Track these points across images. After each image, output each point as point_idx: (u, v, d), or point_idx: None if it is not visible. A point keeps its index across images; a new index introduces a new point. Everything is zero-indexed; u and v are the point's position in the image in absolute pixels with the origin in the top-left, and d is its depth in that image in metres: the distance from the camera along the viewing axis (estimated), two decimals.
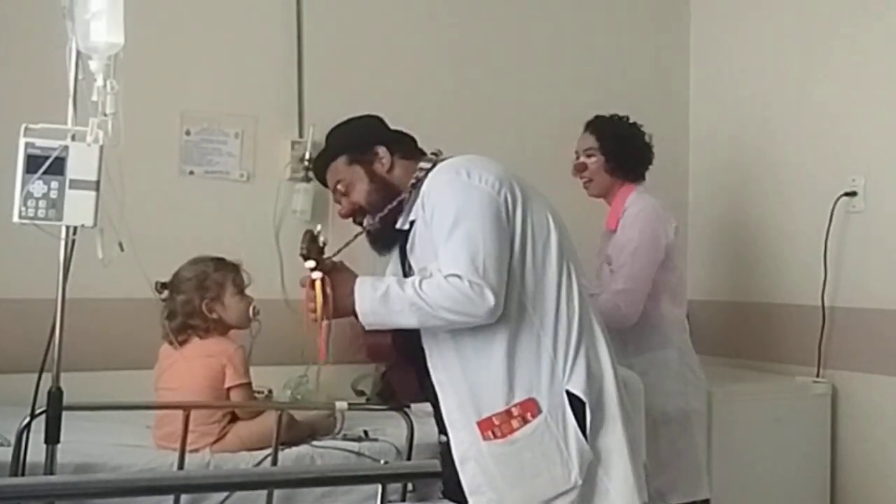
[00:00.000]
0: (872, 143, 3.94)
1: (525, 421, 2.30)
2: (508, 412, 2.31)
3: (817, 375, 4.01)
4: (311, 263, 2.28)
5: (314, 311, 2.27)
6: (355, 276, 2.33)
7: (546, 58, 4.38)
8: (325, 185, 2.60)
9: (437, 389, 2.41)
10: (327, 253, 2.33)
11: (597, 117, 3.46)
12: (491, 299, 2.23)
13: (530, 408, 2.31)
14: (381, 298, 2.26)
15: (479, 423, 2.33)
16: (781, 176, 4.26)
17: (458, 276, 2.23)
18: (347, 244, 2.46)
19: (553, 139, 4.03)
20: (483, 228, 2.27)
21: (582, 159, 3.41)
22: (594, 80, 4.39)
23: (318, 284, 2.27)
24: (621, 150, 3.38)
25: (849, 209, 3.98)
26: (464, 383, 2.35)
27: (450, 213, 2.30)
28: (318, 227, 2.34)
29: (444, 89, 4.13)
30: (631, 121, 3.46)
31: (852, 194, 3.96)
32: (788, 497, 3.86)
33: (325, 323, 2.29)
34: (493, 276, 2.25)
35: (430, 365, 2.41)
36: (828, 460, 3.97)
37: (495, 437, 2.32)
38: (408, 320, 2.28)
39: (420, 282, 2.27)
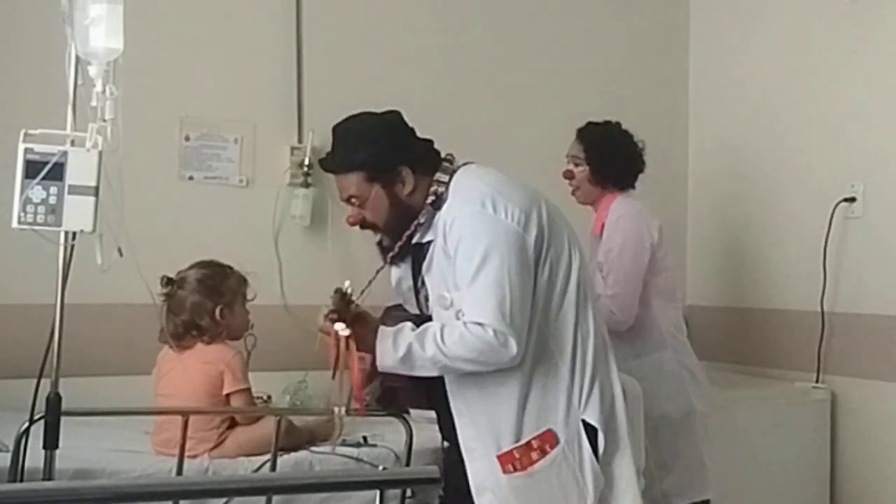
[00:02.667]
0: (872, 148, 3.94)
1: (544, 453, 2.31)
2: (528, 445, 2.31)
3: (817, 381, 4.00)
4: (340, 325, 2.28)
5: (338, 359, 2.28)
6: (376, 328, 2.31)
7: (546, 64, 4.38)
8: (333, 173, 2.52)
9: (454, 417, 2.40)
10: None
11: (588, 124, 3.43)
12: (514, 348, 2.22)
13: (548, 439, 2.31)
14: (402, 359, 2.26)
15: (499, 457, 2.33)
16: (780, 182, 4.26)
17: (483, 325, 2.21)
18: (370, 283, 2.45)
19: (552, 145, 4.03)
20: (510, 270, 2.24)
21: (570, 167, 3.41)
22: (594, 88, 4.39)
23: (342, 342, 2.28)
24: (605, 160, 3.36)
25: (848, 215, 3.98)
26: (482, 413, 2.35)
27: (476, 253, 2.25)
28: (348, 284, 2.32)
29: (444, 96, 4.13)
30: (623, 128, 3.42)
31: (851, 200, 3.96)
32: (788, 502, 3.85)
33: (357, 371, 2.29)
34: (518, 320, 2.24)
35: (448, 392, 2.40)
36: (827, 466, 3.97)
37: (515, 469, 2.32)
38: (430, 373, 2.30)
39: (441, 335, 2.24)
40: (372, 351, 2.29)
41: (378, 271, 2.48)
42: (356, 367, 2.30)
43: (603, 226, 3.35)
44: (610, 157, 3.36)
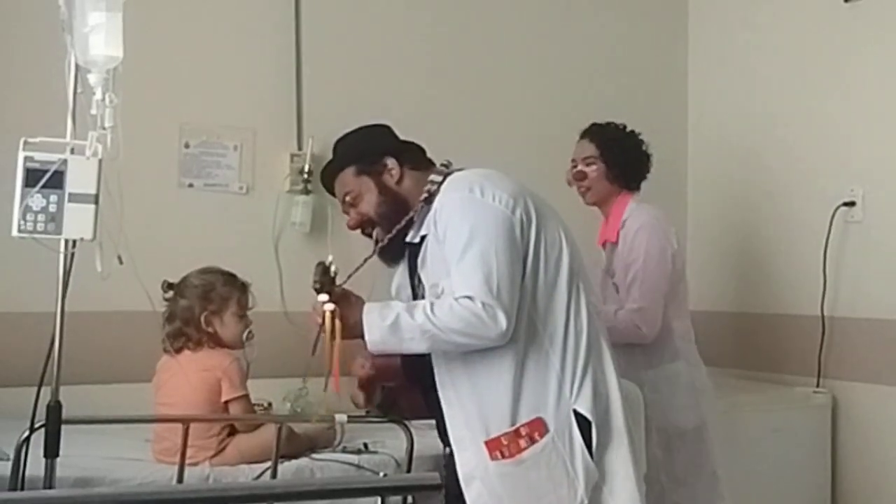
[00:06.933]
0: (871, 153, 3.94)
1: (533, 441, 2.30)
2: (517, 432, 2.31)
3: (817, 386, 4.00)
4: (324, 297, 2.28)
5: (325, 339, 2.27)
6: (363, 304, 2.31)
7: (546, 67, 4.39)
8: (332, 194, 2.59)
9: (444, 406, 2.40)
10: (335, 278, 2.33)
11: (594, 125, 3.41)
12: (503, 322, 2.22)
13: (538, 427, 2.30)
14: (390, 328, 2.25)
15: (486, 443, 2.32)
16: (780, 186, 4.26)
17: (471, 298, 2.22)
18: (357, 269, 2.45)
19: (552, 148, 4.04)
20: (496, 248, 2.26)
21: (580, 168, 3.35)
22: (592, 91, 4.39)
23: (328, 316, 2.27)
24: (623, 158, 3.33)
25: (847, 219, 3.99)
26: (472, 401, 2.34)
27: (463, 233, 2.28)
28: (330, 258, 2.33)
29: (443, 100, 4.14)
30: (629, 129, 3.41)
31: (851, 204, 3.97)
32: None
33: (336, 350, 2.28)
34: (506, 296, 2.24)
35: (438, 382, 2.39)
36: (828, 471, 3.97)
37: (503, 456, 2.31)
38: (419, 347, 2.28)
39: (431, 306, 2.25)
40: (359, 328, 2.27)
41: (366, 260, 2.48)
42: (335, 346, 2.27)
43: (618, 233, 3.30)
44: (626, 155, 3.34)
